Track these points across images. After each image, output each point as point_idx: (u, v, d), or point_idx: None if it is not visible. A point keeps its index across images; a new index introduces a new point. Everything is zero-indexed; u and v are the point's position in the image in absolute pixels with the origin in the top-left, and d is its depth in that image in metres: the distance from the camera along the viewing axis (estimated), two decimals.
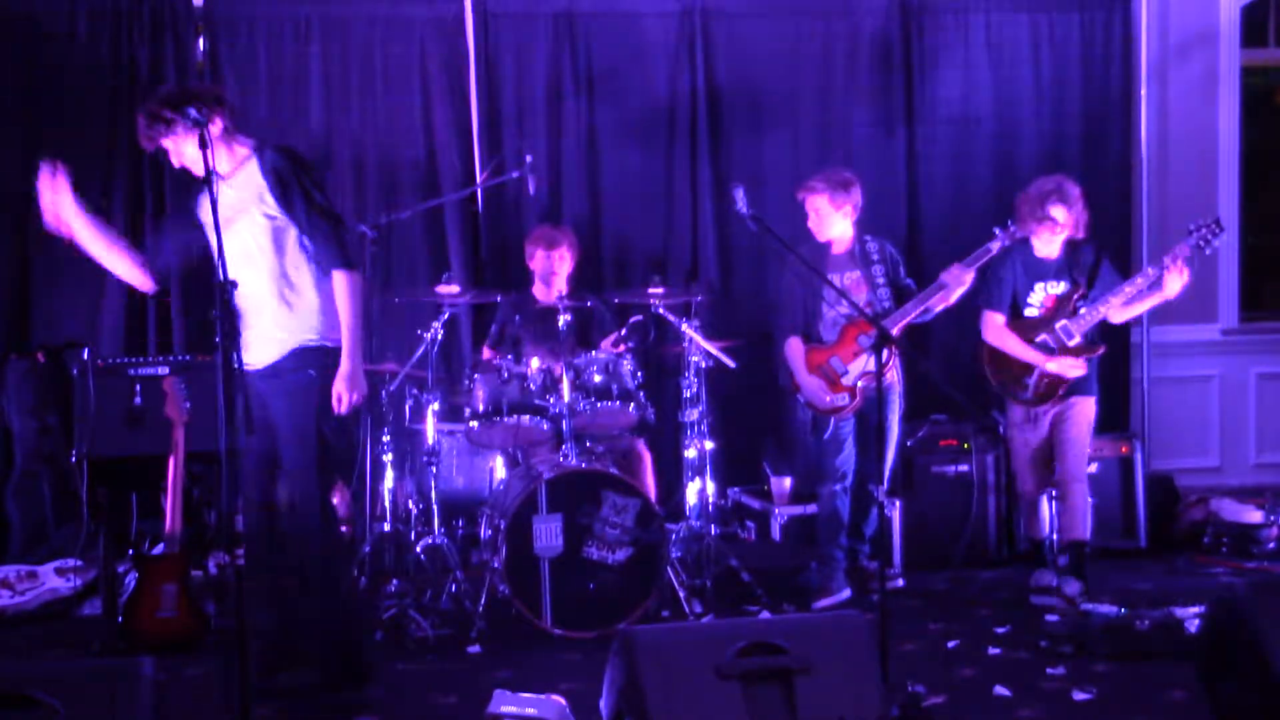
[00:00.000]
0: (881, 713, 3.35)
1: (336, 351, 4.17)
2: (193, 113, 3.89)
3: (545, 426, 5.24)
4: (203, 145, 3.75)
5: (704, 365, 5.48)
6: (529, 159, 5.91)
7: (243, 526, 3.95)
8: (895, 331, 5.24)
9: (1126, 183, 7.10)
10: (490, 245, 6.64)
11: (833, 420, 5.43)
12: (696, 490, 5.54)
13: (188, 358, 5.62)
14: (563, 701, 3.93)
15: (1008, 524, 6.15)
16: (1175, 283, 5.21)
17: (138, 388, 5.46)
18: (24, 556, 5.75)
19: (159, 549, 4.84)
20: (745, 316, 6.58)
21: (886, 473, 5.31)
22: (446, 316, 5.42)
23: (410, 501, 5.57)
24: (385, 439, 5.59)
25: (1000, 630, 4.98)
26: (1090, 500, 5.43)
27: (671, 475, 5.97)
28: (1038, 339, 5.34)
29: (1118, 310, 5.35)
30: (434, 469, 5.41)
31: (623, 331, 5.65)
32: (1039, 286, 5.37)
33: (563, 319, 5.22)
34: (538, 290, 5.99)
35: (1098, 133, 7.06)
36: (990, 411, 6.12)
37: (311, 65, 6.49)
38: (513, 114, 6.65)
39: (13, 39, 6.22)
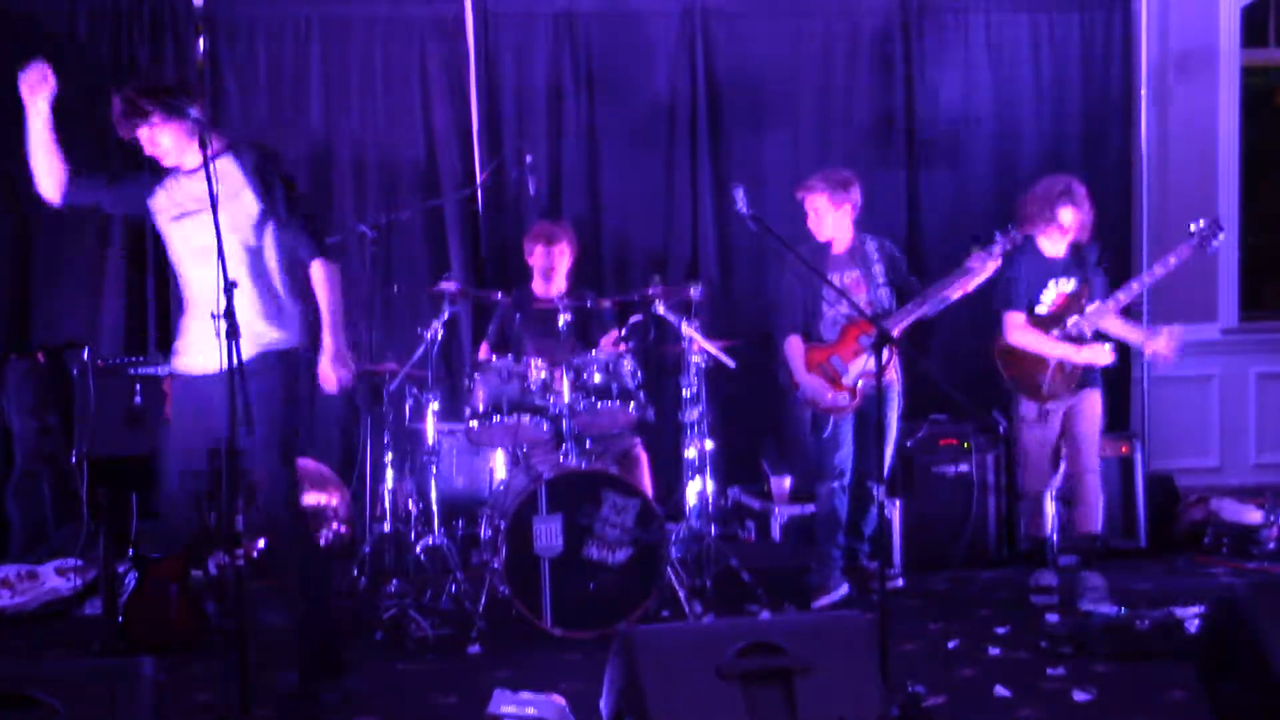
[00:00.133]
0: (881, 713, 3.35)
1: (299, 354, 4.18)
2: (193, 113, 3.89)
3: (545, 426, 5.24)
4: (203, 145, 3.75)
5: (704, 365, 5.47)
6: (529, 159, 5.91)
7: (165, 523, 4.02)
8: (898, 331, 5.25)
9: (1126, 182, 7.10)
10: (490, 245, 6.65)
11: (832, 419, 5.43)
12: (696, 490, 5.54)
13: None
14: (563, 701, 3.93)
15: (1008, 524, 6.16)
16: (1160, 343, 5.33)
17: (138, 388, 5.46)
18: (24, 556, 5.76)
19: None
20: (745, 316, 6.59)
21: (885, 471, 5.31)
22: (446, 316, 5.42)
23: (410, 501, 5.57)
24: (385, 439, 5.59)
25: (1000, 630, 4.98)
26: (1102, 493, 5.46)
27: (671, 475, 5.97)
28: (1052, 336, 5.34)
29: (1113, 316, 5.36)
30: (434, 469, 5.41)
31: (622, 331, 5.65)
32: (1050, 284, 5.37)
33: (563, 318, 5.22)
34: (537, 286, 5.98)
35: (1098, 133, 7.06)
36: (990, 411, 6.13)
37: (311, 65, 6.50)
38: (513, 114, 6.65)
39: (13, 39, 6.21)
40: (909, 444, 6.04)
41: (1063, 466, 5.50)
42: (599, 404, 5.20)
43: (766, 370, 5.85)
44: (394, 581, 5.17)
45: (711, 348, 5.41)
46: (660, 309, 5.43)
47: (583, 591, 4.93)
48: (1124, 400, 7.00)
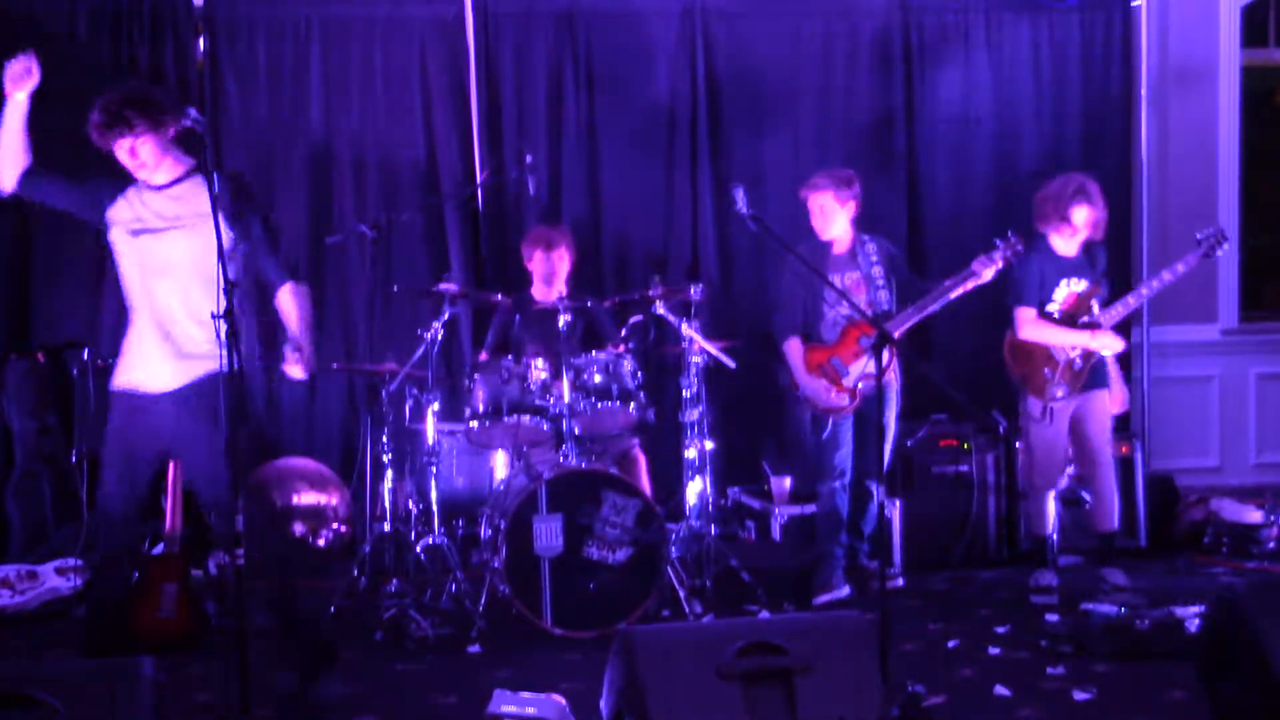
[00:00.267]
0: (881, 713, 3.35)
1: (250, 372, 4.23)
2: (193, 113, 3.88)
3: (545, 426, 5.24)
4: (199, 147, 3.76)
5: (704, 365, 5.47)
6: (529, 159, 5.91)
7: (98, 529, 4.04)
8: (899, 333, 5.26)
9: (1126, 182, 7.10)
10: (490, 245, 6.64)
11: (831, 419, 5.43)
12: (696, 490, 5.54)
13: None
14: (563, 701, 3.93)
15: (1008, 524, 6.16)
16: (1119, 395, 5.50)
17: None
18: (24, 556, 5.76)
19: (159, 549, 4.83)
20: (745, 317, 6.59)
21: (885, 471, 5.32)
22: (446, 317, 5.41)
23: (410, 501, 5.57)
24: (385, 439, 5.59)
25: (1000, 630, 4.98)
26: (1117, 492, 5.50)
27: (671, 475, 5.97)
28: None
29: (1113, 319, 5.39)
30: (434, 469, 5.41)
31: (623, 332, 5.65)
32: (1062, 283, 5.36)
33: (563, 319, 5.22)
34: (537, 291, 5.98)
35: (1098, 133, 7.06)
36: (990, 411, 6.13)
37: (311, 65, 6.49)
38: (513, 114, 6.65)
39: (13, 39, 6.20)
40: (909, 444, 6.04)
41: (1070, 467, 5.50)
42: (599, 404, 5.20)
43: (766, 370, 5.85)
44: (394, 581, 5.17)
45: (711, 348, 5.41)
46: (660, 309, 5.43)
47: (583, 591, 4.93)
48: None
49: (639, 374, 5.35)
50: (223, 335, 3.59)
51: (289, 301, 4.33)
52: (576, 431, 5.18)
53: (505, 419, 5.19)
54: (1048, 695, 4.23)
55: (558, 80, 6.67)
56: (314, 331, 4.35)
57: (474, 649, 4.80)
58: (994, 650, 4.74)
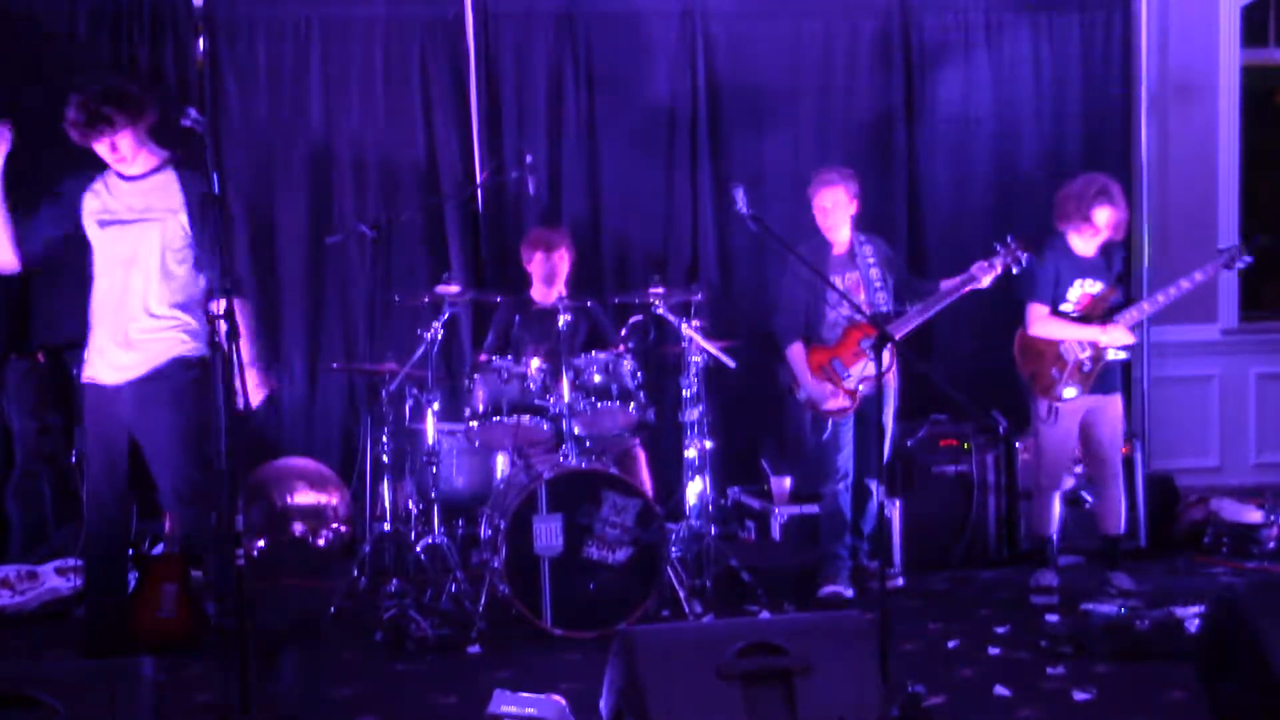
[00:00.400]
0: (881, 713, 3.35)
1: (205, 363, 4.25)
2: (193, 113, 3.89)
3: (545, 426, 5.24)
4: (200, 145, 3.77)
5: (704, 365, 5.47)
6: (529, 159, 5.90)
7: (89, 525, 4.06)
8: (900, 335, 5.26)
9: (1126, 182, 7.07)
10: (490, 245, 6.65)
11: (831, 421, 5.43)
12: (696, 490, 5.53)
13: None
14: (563, 701, 3.93)
15: (1008, 524, 6.16)
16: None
17: None
18: (24, 556, 5.75)
19: (159, 549, 4.83)
20: (745, 316, 6.58)
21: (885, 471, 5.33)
22: (446, 316, 5.42)
23: (410, 501, 5.57)
24: (385, 439, 5.59)
25: (1000, 630, 4.98)
26: (1124, 496, 5.52)
27: (671, 475, 5.97)
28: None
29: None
30: (434, 469, 5.41)
31: (623, 332, 5.65)
32: (1077, 283, 5.34)
33: (563, 319, 5.22)
34: (536, 292, 5.98)
35: (1097, 132, 7.07)
36: (990, 411, 6.13)
37: (311, 65, 6.50)
38: (513, 114, 6.65)
39: (13, 39, 6.22)
40: (909, 444, 6.04)
41: (1078, 467, 5.49)
42: (599, 404, 5.20)
43: (766, 370, 5.85)
44: (394, 581, 5.17)
45: (711, 348, 5.41)
46: (660, 309, 5.43)
47: (583, 591, 4.93)
48: (1124, 400, 6.99)
49: (639, 374, 5.35)
50: (223, 334, 3.60)
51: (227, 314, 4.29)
52: (576, 431, 5.18)
53: (505, 419, 5.19)
54: (1048, 695, 4.23)
55: (558, 80, 6.67)
56: (257, 344, 4.33)
57: (474, 649, 4.80)
58: (994, 650, 4.74)
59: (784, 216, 5.81)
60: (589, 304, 5.91)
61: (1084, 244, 5.33)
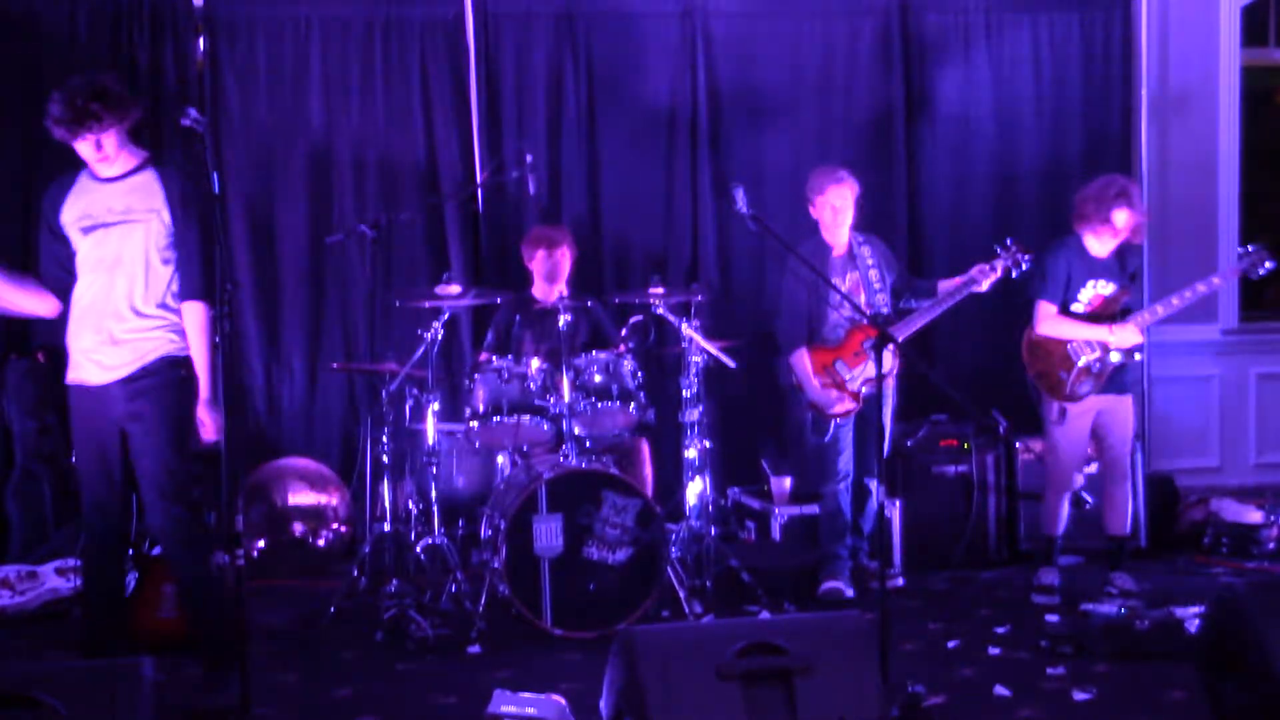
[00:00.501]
0: (881, 713, 3.35)
1: (190, 362, 4.23)
2: (193, 113, 3.88)
3: (545, 426, 5.24)
4: (202, 145, 3.76)
5: (704, 365, 5.47)
6: (529, 159, 5.90)
7: (88, 526, 4.07)
8: (902, 337, 5.27)
9: None
10: (490, 245, 6.64)
11: (834, 422, 5.43)
12: (696, 490, 5.53)
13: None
14: (563, 701, 3.93)
15: (1008, 524, 6.16)
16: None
17: None
18: (24, 556, 5.75)
19: (159, 549, 4.83)
20: (745, 316, 6.59)
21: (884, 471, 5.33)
22: (446, 316, 5.41)
23: (410, 501, 5.56)
24: (385, 439, 5.59)
25: (1000, 630, 4.98)
26: (1131, 498, 5.54)
27: (671, 475, 5.96)
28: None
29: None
30: (434, 469, 5.41)
31: (623, 333, 5.65)
32: (1090, 284, 5.32)
33: (563, 319, 5.22)
34: (538, 290, 5.98)
35: (1097, 132, 7.07)
36: (990, 411, 6.12)
37: (311, 65, 6.49)
38: (513, 114, 6.65)
39: (13, 39, 6.21)
40: (909, 444, 6.04)
41: (1091, 466, 5.47)
42: (599, 404, 5.20)
43: (766, 370, 5.85)
44: (394, 582, 5.16)
45: (711, 348, 5.41)
46: (660, 310, 5.43)
47: (583, 591, 4.93)
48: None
49: (639, 374, 5.35)
50: (222, 333, 3.60)
51: (194, 321, 4.24)
52: (576, 431, 5.18)
53: (505, 419, 5.19)
54: (1048, 695, 4.23)
55: (558, 80, 6.67)
56: (213, 356, 4.24)
57: (474, 649, 4.80)
58: (994, 650, 4.74)
59: (784, 216, 5.81)
60: (589, 304, 5.91)
61: (1100, 245, 5.30)
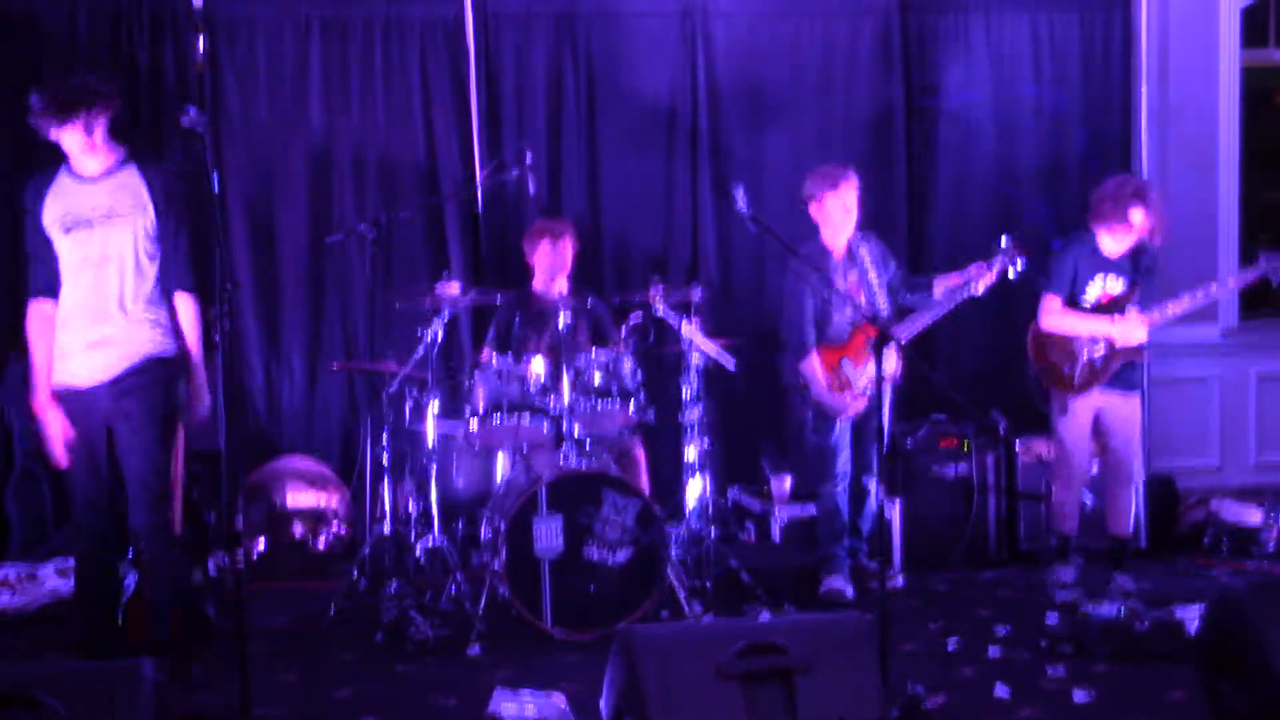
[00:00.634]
0: (881, 713, 3.35)
1: (178, 361, 4.25)
2: (193, 112, 3.88)
3: (545, 427, 5.23)
4: (200, 144, 3.75)
5: (704, 365, 5.47)
6: (529, 159, 5.91)
7: (83, 526, 4.07)
8: (906, 338, 5.27)
9: None
10: (490, 245, 6.65)
11: (839, 422, 5.43)
12: (696, 490, 5.53)
13: None
14: (563, 701, 3.93)
15: (1008, 524, 6.16)
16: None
17: None
18: (24, 556, 5.75)
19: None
20: (745, 316, 6.59)
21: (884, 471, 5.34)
22: (446, 316, 5.41)
23: (410, 502, 5.56)
24: (385, 439, 5.59)
25: (1000, 630, 4.98)
26: (1134, 499, 5.54)
27: (671, 475, 5.96)
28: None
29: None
30: (434, 469, 5.40)
31: (623, 332, 5.65)
32: (1098, 279, 5.30)
33: (563, 318, 5.22)
34: (539, 284, 5.95)
35: (1098, 133, 7.07)
36: (990, 411, 6.12)
37: (311, 65, 6.49)
38: (513, 114, 6.65)
39: (13, 39, 6.21)
40: (909, 444, 6.04)
41: (1093, 465, 5.47)
42: (599, 404, 5.19)
43: (766, 370, 5.85)
44: (394, 582, 5.16)
45: (711, 348, 5.41)
46: (660, 309, 5.43)
47: (583, 592, 4.93)
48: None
49: (639, 374, 5.35)
50: (221, 334, 3.60)
51: (185, 314, 4.28)
52: (576, 431, 5.18)
53: (505, 419, 5.19)
54: (1048, 695, 4.23)
55: (558, 80, 6.67)
56: (203, 350, 4.32)
57: (474, 650, 4.80)
58: (994, 650, 4.74)
59: (784, 216, 5.80)
60: (590, 302, 5.90)
61: (1114, 244, 5.28)
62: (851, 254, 5.50)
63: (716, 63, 6.78)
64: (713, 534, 5.48)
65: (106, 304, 4.16)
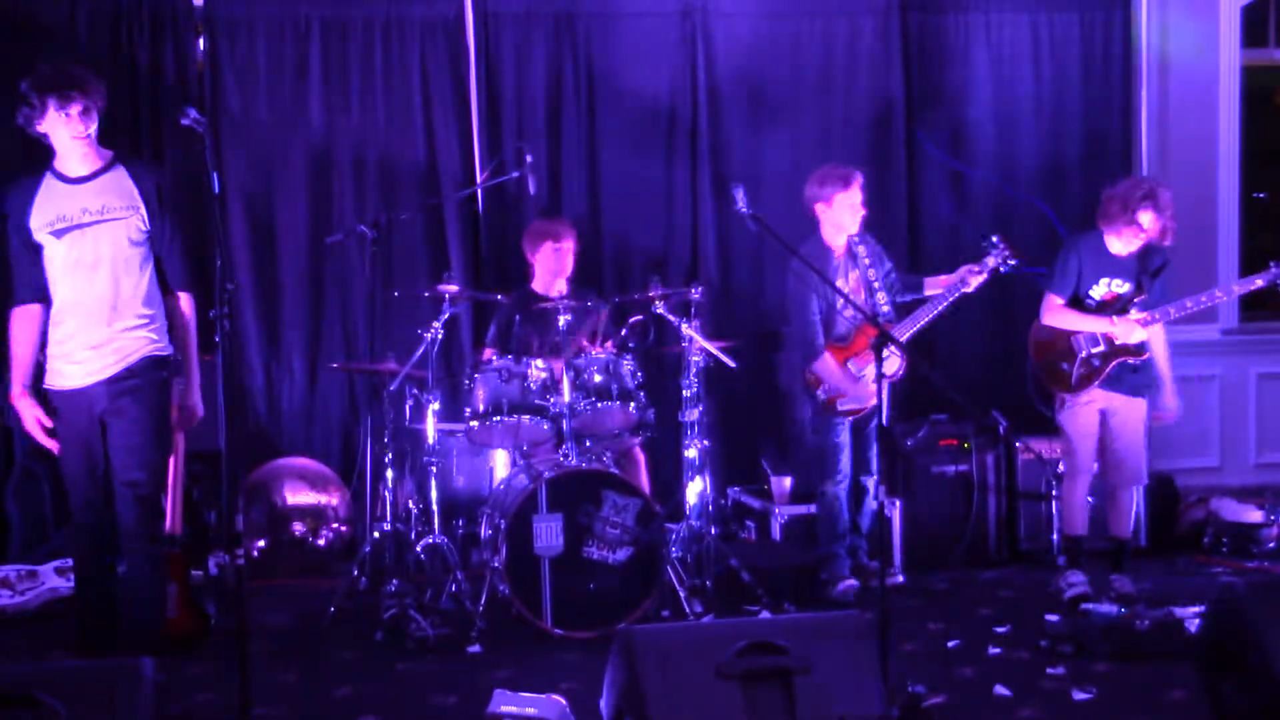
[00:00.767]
0: (881, 713, 3.35)
1: (173, 361, 4.28)
2: (193, 113, 3.87)
3: (545, 426, 5.23)
4: (201, 146, 3.75)
5: (704, 365, 5.47)
6: (529, 159, 5.90)
7: (81, 526, 4.08)
8: (908, 336, 5.29)
9: None
10: (490, 245, 6.65)
11: (844, 421, 5.43)
12: (696, 490, 5.53)
13: None
14: (563, 701, 3.93)
15: (1008, 524, 6.16)
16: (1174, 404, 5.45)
17: None
18: (24, 556, 5.75)
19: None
20: (745, 316, 6.59)
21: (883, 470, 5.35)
22: (447, 316, 5.41)
23: (410, 501, 5.57)
24: (385, 439, 5.59)
25: (1000, 630, 4.98)
26: (1135, 501, 5.54)
27: (671, 475, 5.96)
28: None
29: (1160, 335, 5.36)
30: (434, 469, 5.41)
31: (623, 332, 5.65)
32: (1104, 281, 5.30)
33: (563, 319, 5.22)
34: (539, 284, 5.95)
35: (1098, 132, 7.07)
36: (990, 411, 6.12)
37: (311, 65, 6.49)
38: (513, 114, 6.65)
39: (13, 39, 6.21)
40: (909, 444, 6.04)
41: (1095, 466, 5.47)
42: (599, 404, 5.20)
43: (766, 370, 5.85)
44: (394, 581, 5.16)
45: (711, 348, 5.41)
46: (660, 309, 5.43)
47: (583, 591, 4.93)
48: None
49: (639, 374, 5.35)
50: (221, 334, 3.60)
51: (180, 313, 4.33)
52: (576, 431, 5.18)
53: (505, 419, 5.19)
54: (1048, 695, 4.23)
55: (558, 80, 6.67)
56: (196, 352, 4.37)
57: (474, 649, 4.80)
58: (994, 650, 4.74)
59: (784, 216, 5.78)
60: (590, 302, 5.90)
61: (1122, 245, 5.27)
62: (851, 253, 5.50)
63: (716, 63, 6.78)
64: (713, 533, 5.48)
65: (101, 305, 4.15)
